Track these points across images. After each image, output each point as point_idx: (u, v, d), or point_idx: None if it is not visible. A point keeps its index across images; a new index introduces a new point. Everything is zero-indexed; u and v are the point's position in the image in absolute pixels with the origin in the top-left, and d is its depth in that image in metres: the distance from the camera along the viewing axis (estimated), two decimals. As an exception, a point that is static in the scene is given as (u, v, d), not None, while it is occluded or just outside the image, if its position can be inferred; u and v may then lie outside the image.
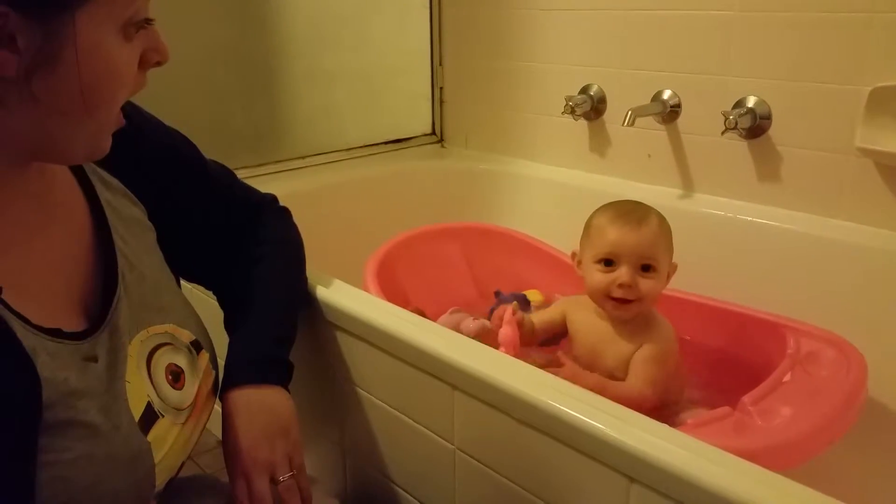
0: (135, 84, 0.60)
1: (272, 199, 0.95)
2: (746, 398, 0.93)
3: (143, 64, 0.60)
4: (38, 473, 0.54)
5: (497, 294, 1.37)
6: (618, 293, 1.03)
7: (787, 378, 0.99)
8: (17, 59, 0.51)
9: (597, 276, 1.05)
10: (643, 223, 1.03)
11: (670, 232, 1.08)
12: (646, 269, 1.03)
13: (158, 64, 0.61)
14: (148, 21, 0.58)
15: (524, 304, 1.34)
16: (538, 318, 1.18)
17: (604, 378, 1.04)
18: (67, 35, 0.52)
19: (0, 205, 0.58)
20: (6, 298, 0.55)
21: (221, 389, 0.78)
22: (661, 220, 1.07)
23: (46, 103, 0.54)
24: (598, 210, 1.11)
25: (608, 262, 1.04)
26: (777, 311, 1.14)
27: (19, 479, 0.54)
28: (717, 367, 1.16)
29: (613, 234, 1.03)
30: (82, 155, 0.61)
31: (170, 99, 1.14)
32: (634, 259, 1.02)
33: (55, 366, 0.57)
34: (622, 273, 1.02)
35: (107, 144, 0.61)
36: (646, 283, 1.03)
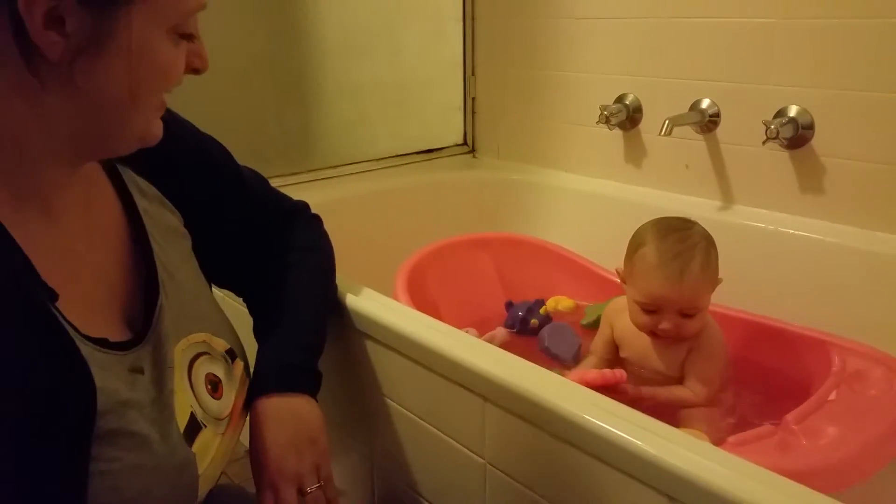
0: (178, 81, 0.60)
1: (304, 207, 0.95)
2: (790, 416, 0.89)
3: (186, 67, 0.60)
4: (89, 483, 0.54)
5: (508, 306, 1.34)
6: (660, 333, 1.05)
7: (832, 397, 0.95)
8: (64, 42, 0.51)
9: (640, 317, 1.06)
10: (685, 273, 1.01)
11: (716, 260, 1.05)
12: (688, 314, 1.03)
13: (196, 71, 0.61)
14: (192, 36, 0.59)
15: (536, 310, 1.32)
16: (598, 346, 1.17)
17: (657, 388, 1.05)
18: (117, 27, 0.52)
19: (51, 209, 0.58)
20: (60, 306, 0.55)
21: (250, 398, 0.77)
22: (706, 256, 1.03)
23: (86, 92, 0.54)
24: (643, 238, 1.06)
25: (650, 310, 1.05)
26: (821, 328, 1.10)
27: (72, 487, 0.53)
28: (758, 384, 1.12)
29: (655, 289, 1.03)
30: (132, 144, 0.61)
31: (206, 107, 1.14)
32: (676, 308, 1.03)
33: (105, 376, 0.56)
34: (663, 321, 1.04)
35: (158, 129, 0.61)
36: (688, 325, 1.04)
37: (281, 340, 0.81)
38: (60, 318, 0.54)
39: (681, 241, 1.03)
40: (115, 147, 0.60)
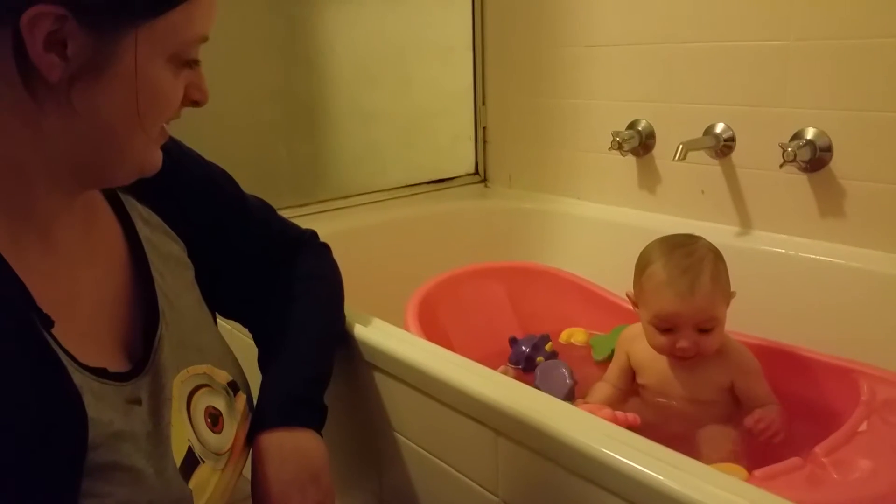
0: (175, 112, 0.59)
1: (312, 235, 0.94)
2: (818, 449, 0.85)
3: (183, 99, 0.59)
4: None
5: (512, 342, 1.31)
6: (679, 352, 1.02)
7: (862, 427, 0.91)
8: (64, 65, 0.51)
9: (656, 338, 1.03)
10: (695, 287, 0.99)
11: (725, 272, 1.03)
12: (705, 329, 1.00)
13: (196, 104, 0.61)
14: (195, 62, 0.58)
15: (542, 346, 1.28)
16: (612, 374, 1.14)
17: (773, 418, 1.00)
18: (118, 52, 0.52)
19: (50, 235, 0.57)
20: (56, 333, 0.54)
21: (251, 432, 0.75)
22: (715, 268, 1.01)
23: (84, 116, 0.53)
24: (648, 257, 1.04)
25: (665, 329, 1.02)
26: (847, 355, 1.06)
27: None
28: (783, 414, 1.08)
29: (667, 307, 1.00)
30: (130, 174, 0.60)
31: (216, 137, 1.14)
32: (691, 324, 1.00)
33: (100, 407, 0.55)
34: (681, 339, 1.01)
35: (157, 160, 0.60)
36: (706, 340, 1.01)
37: (284, 372, 0.79)
38: (55, 346, 0.53)
39: (687, 255, 1.01)
40: (114, 176, 0.59)
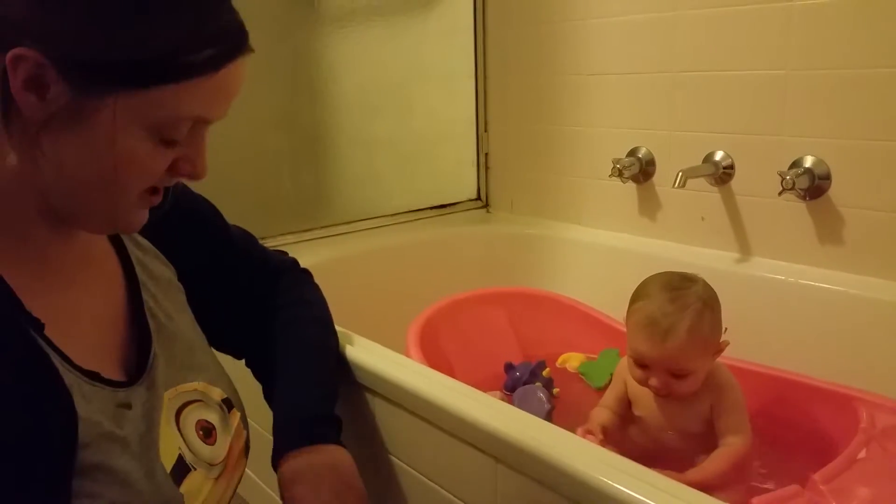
0: (157, 181, 0.59)
1: (293, 263, 0.95)
2: (817, 476, 0.85)
3: (173, 170, 0.59)
4: None
5: (508, 368, 1.31)
6: (653, 389, 1.03)
7: (862, 455, 0.91)
8: (42, 106, 0.52)
9: (634, 371, 1.04)
10: (669, 336, 0.97)
11: (711, 323, 1.00)
12: (678, 375, 1.00)
13: (189, 177, 0.60)
14: (175, 143, 0.57)
15: (539, 373, 1.28)
16: (609, 400, 1.14)
17: (702, 467, 0.98)
18: (94, 110, 0.53)
19: (47, 257, 0.59)
20: (49, 335, 0.55)
21: (276, 457, 0.75)
22: (697, 318, 0.98)
23: (48, 160, 0.54)
24: (641, 291, 1.04)
25: (641, 365, 1.02)
26: (847, 382, 1.06)
27: None
28: (781, 442, 1.08)
29: (639, 346, 1.00)
30: (101, 227, 0.61)
31: (221, 165, 1.15)
32: (664, 368, 1.00)
33: (90, 408, 0.56)
34: (653, 378, 1.01)
35: (134, 220, 0.61)
36: (679, 385, 1.01)
37: (296, 394, 0.80)
38: (45, 346, 0.55)
39: (672, 300, 0.99)
40: (83, 224, 0.60)
